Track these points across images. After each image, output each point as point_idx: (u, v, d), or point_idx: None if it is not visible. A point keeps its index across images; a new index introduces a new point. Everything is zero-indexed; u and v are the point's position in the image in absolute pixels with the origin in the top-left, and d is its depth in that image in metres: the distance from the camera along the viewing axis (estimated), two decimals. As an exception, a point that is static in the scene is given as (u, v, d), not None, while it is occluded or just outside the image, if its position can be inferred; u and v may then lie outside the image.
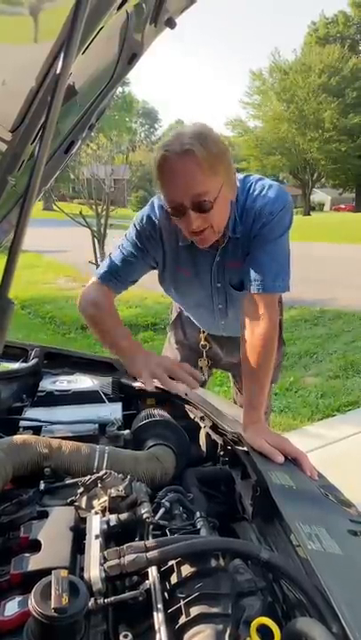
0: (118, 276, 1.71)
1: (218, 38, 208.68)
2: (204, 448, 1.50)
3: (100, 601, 0.80)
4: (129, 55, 1.25)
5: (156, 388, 1.65)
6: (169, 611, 0.82)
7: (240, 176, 1.63)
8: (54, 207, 7.31)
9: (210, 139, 1.38)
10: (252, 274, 1.55)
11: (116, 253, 1.72)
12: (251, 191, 1.58)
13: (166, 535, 0.98)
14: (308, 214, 46.42)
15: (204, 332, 2.17)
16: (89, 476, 1.11)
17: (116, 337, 1.62)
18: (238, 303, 1.74)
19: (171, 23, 1.22)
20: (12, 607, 0.79)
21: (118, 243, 1.75)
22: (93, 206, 6.39)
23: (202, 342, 2.19)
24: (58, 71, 0.52)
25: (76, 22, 0.53)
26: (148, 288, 2.01)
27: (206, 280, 1.74)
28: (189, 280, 1.76)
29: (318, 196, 64.36)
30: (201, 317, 2.03)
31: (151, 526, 1.00)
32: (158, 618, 0.80)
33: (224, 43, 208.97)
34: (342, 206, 57.64)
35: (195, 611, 0.80)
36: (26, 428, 1.40)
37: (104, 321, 1.67)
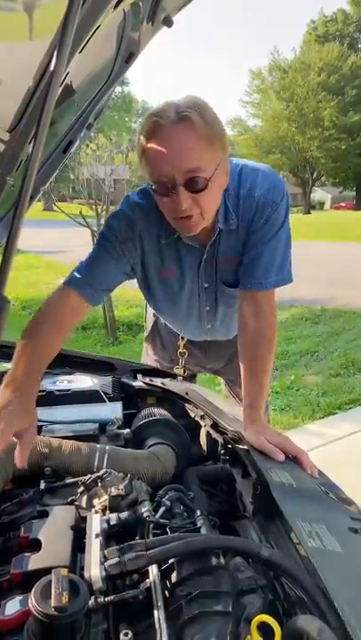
0: (88, 277, 1.47)
1: (217, 37, 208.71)
2: (204, 447, 1.49)
3: (101, 600, 0.80)
4: (126, 54, 1.25)
5: (157, 386, 1.65)
6: (170, 609, 0.83)
7: None
8: (54, 207, 7.31)
9: (206, 108, 1.23)
10: (256, 272, 1.48)
11: (87, 257, 1.52)
12: (243, 177, 1.44)
13: (167, 534, 0.98)
14: (309, 213, 46.40)
15: (183, 338, 2.03)
16: (89, 476, 1.11)
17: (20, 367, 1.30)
18: (231, 301, 1.66)
19: (168, 22, 1.22)
20: (12, 606, 0.79)
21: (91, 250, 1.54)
22: (93, 206, 6.38)
23: (180, 350, 2.04)
24: (52, 69, 0.52)
25: (69, 19, 0.53)
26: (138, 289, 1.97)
27: (193, 280, 1.60)
28: (174, 282, 1.61)
29: (319, 194, 64.34)
30: (186, 323, 1.86)
31: (152, 525, 1.00)
32: (159, 616, 0.80)
33: (223, 41, 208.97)
34: (343, 204, 57.62)
35: (195, 609, 0.81)
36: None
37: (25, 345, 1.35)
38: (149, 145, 1.23)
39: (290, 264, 1.53)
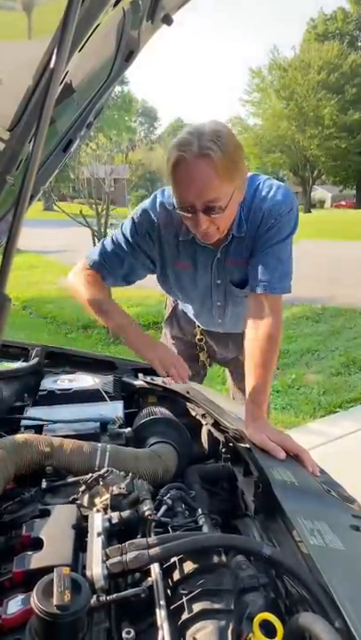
0: (107, 264, 1.71)
1: (217, 36, 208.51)
2: (206, 445, 1.50)
3: (103, 598, 0.80)
4: (126, 52, 1.25)
5: (158, 385, 1.65)
6: (171, 607, 0.83)
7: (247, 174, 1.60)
8: (55, 207, 7.31)
9: (228, 140, 1.35)
10: (259, 274, 1.57)
11: (109, 241, 1.73)
12: (258, 192, 1.58)
13: (168, 532, 0.98)
14: (309, 211, 46.35)
15: (199, 326, 2.17)
16: (90, 474, 1.11)
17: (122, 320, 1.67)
18: (238, 300, 1.77)
19: (167, 20, 1.21)
20: (14, 605, 0.79)
21: (113, 235, 1.74)
22: (93, 206, 6.38)
23: (198, 336, 2.21)
24: (51, 67, 0.52)
25: (69, 18, 0.53)
26: (150, 287, 2.01)
27: (206, 277, 1.74)
28: (189, 274, 1.75)
29: (319, 193, 64.28)
30: (199, 314, 2.03)
31: (153, 524, 1.00)
32: (161, 614, 0.80)
33: (223, 40, 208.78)
34: (343, 203, 57.57)
35: (197, 607, 0.81)
36: (27, 427, 1.40)
37: (103, 303, 1.69)
38: (175, 175, 1.40)
39: (291, 277, 1.63)
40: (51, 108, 0.56)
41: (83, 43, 0.92)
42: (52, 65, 0.52)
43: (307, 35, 50.23)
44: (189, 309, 2.06)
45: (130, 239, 1.66)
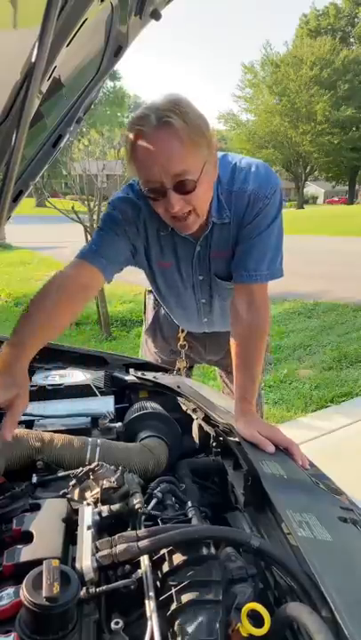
0: (102, 253, 1.48)
1: (209, 31, 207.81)
2: (196, 439, 1.50)
3: (92, 590, 0.80)
4: (115, 47, 1.25)
5: (148, 380, 1.66)
6: (160, 598, 0.83)
7: (218, 155, 1.44)
8: (47, 204, 7.27)
9: (188, 108, 1.22)
10: (248, 264, 1.50)
11: (94, 236, 1.54)
12: (236, 172, 1.46)
13: (158, 525, 0.99)
14: (302, 207, 46.43)
15: (183, 330, 2.07)
16: (81, 469, 1.11)
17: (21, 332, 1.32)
18: (225, 294, 1.69)
19: (156, 15, 1.21)
20: (4, 597, 0.79)
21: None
22: (86, 202, 6.36)
23: (180, 342, 2.08)
24: (33, 59, 0.52)
25: (50, 10, 0.53)
26: (142, 284, 2.00)
27: (188, 273, 1.65)
28: (171, 272, 1.65)
29: (312, 189, 64.43)
30: (183, 316, 1.92)
31: (143, 516, 1.01)
32: (150, 605, 0.81)
33: (215, 36, 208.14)
34: (336, 199, 57.72)
35: (186, 598, 0.81)
36: (18, 423, 1.40)
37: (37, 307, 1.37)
38: (135, 153, 1.26)
39: (281, 259, 1.55)
40: (33, 101, 0.56)
41: (70, 38, 0.92)
42: (33, 58, 0.52)
43: (299, 30, 50.21)
44: (174, 312, 1.95)
45: (116, 221, 1.50)
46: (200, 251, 1.57)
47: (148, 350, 2.30)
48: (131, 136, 1.25)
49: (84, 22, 0.93)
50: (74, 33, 0.91)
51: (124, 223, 1.50)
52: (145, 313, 2.30)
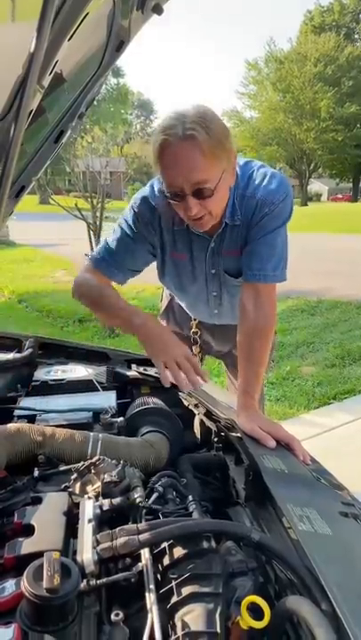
0: (114, 261, 1.65)
1: (213, 28, 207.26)
2: (198, 435, 1.51)
3: (93, 582, 0.81)
4: (117, 42, 1.25)
5: (150, 376, 1.66)
6: (161, 591, 0.84)
7: (241, 161, 1.59)
8: (50, 201, 7.27)
9: (213, 122, 1.33)
10: (253, 263, 1.56)
11: (111, 236, 1.67)
12: (252, 179, 1.55)
13: (159, 519, 0.99)
14: (306, 205, 46.30)
15: (195, 319, 2.14)
16: (82, 463, 1.12)
17: (122, 312, 1.53)
18: (233, 290, 1.75)
19: (158, 9, 1.21)
20: (5, 589, 0.80)
21: (114, 226, 1.69)
22: (89, 199, 6.36)
23: (193, 329, 2.16)
24: (31, 50, 0.52)
25: (47, 3, 0.53)
26: (145, 280, 2.02)
27: (201, 266, 1.71)
28: (185, 264, 1.72)
29: (316, 186, 64.25)
30: (195, 306, 2.00)
31: (144, 510, 1.01)
32: (150, 598, 0.81)
33: (219, 32, 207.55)
34: (339, 196, 57.59)
35: (186, 590, 0.82)
36: (20, 417, 1.41)
37: (103, 296, 1.59)
38: (161, 159, 1.37)
39: (285, 264, 1.61)
40: (31, 94, 0.56)
41: (72, 32, 0.92)
42: (31, 49, 0.52)
43: (303, 27, 50.00)
44: (185, 302, 2.03)
45: (133, 228, 1.62)
46: (214, 247, 1.65)
47: None
48: (158, 142, 1.34)
49: (85, 16, 0.92)
50: (75, 27, 0.91)
51: (142, 226, 1.62)
52: (161, 301, 2.39)
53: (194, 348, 2.20)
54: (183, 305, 2.09)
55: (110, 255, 1.65)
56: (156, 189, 1.60)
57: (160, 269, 1.79)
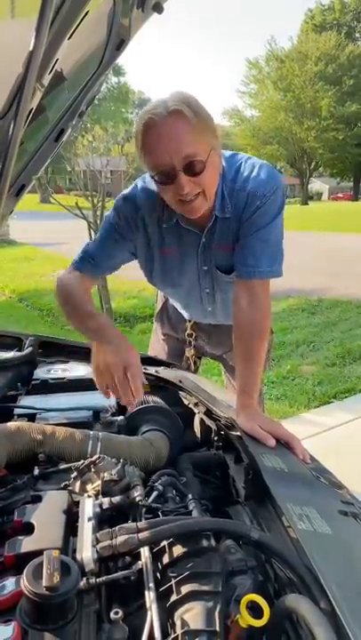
0: (92, 260, 1.62)
1: (214, 26, 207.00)
2: (198, 434, 1.51)
3: (92, 580, 0.81)
4: (117, 41, 1.25)
5: (150, 374, 1.66)
6: (160, 589, 0.84)
7: (226, 154, 1.56)
8: (51, 199, 7.27)
9: (196, 103, 1.32)
10: (247, 259, 1.51)
11: (95, 239, 1.66)
12: (241, 171, 1.51)
13: (159, 517, 0.99)
14: (306, 204, 46.28)
15: (190, 320, 2.10)
16: (82, 461, 1.12)
17: (84, 317, 1.50)
18: (226, 287, 1.71)
19: (158, 8, 1.21)
20: (5, 588, 0.80)
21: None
22: (89, 198, 6.35)
23: (188, 331, 2.12)
24: (30, 49, 0.52)
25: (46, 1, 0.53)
26: (146, 279, 2.02)
27: (192, 262, 1.67)
28: (175, 260, 1.68)
29: (316, 185, 64.18)
30: (189, 304, 1.96)
31: (144, 509, 1.01)
32: (150, 596, 0.81)
33: (220, 31, 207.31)
34: (340, 195, 57.54)
35: (185, 589, 0.82)
36: (20, 416, 1.41)
37: (72, 301, 1.57)
38: (146, 139, 1.33)
39: (281, 258, 1.57)
40: (30, 92, 0.56)
41: (72, 30, 0.92)
42: (30, 47, 0.52)
43: (304, 25, 49.94)
44: (178, 301, 2.00)
45: (116, 227, 1.60)
46: (205, 242, 1.61)
47: (156, 337, 2.34)
48: (141, 125, 1.32)
49: (85, 15, 0.92)
50: (75, 26, 0.91)
51: (124, 225, 1.59)
52: (156, 302, 2.36)
53: (187, 350, 2.16)
54: (177, 305, 2.05)
55: (90, 256, 1.63)
56: (139, 187, 1.57)
57: (147, 269, 1.75)
